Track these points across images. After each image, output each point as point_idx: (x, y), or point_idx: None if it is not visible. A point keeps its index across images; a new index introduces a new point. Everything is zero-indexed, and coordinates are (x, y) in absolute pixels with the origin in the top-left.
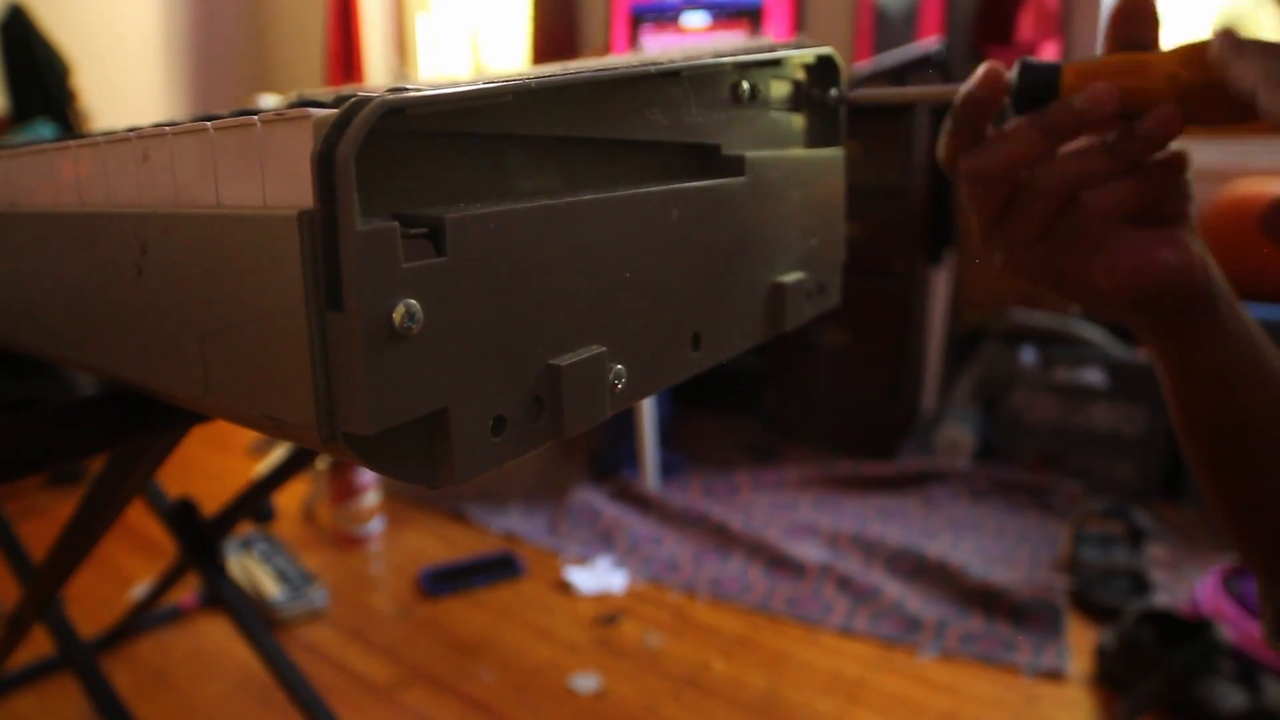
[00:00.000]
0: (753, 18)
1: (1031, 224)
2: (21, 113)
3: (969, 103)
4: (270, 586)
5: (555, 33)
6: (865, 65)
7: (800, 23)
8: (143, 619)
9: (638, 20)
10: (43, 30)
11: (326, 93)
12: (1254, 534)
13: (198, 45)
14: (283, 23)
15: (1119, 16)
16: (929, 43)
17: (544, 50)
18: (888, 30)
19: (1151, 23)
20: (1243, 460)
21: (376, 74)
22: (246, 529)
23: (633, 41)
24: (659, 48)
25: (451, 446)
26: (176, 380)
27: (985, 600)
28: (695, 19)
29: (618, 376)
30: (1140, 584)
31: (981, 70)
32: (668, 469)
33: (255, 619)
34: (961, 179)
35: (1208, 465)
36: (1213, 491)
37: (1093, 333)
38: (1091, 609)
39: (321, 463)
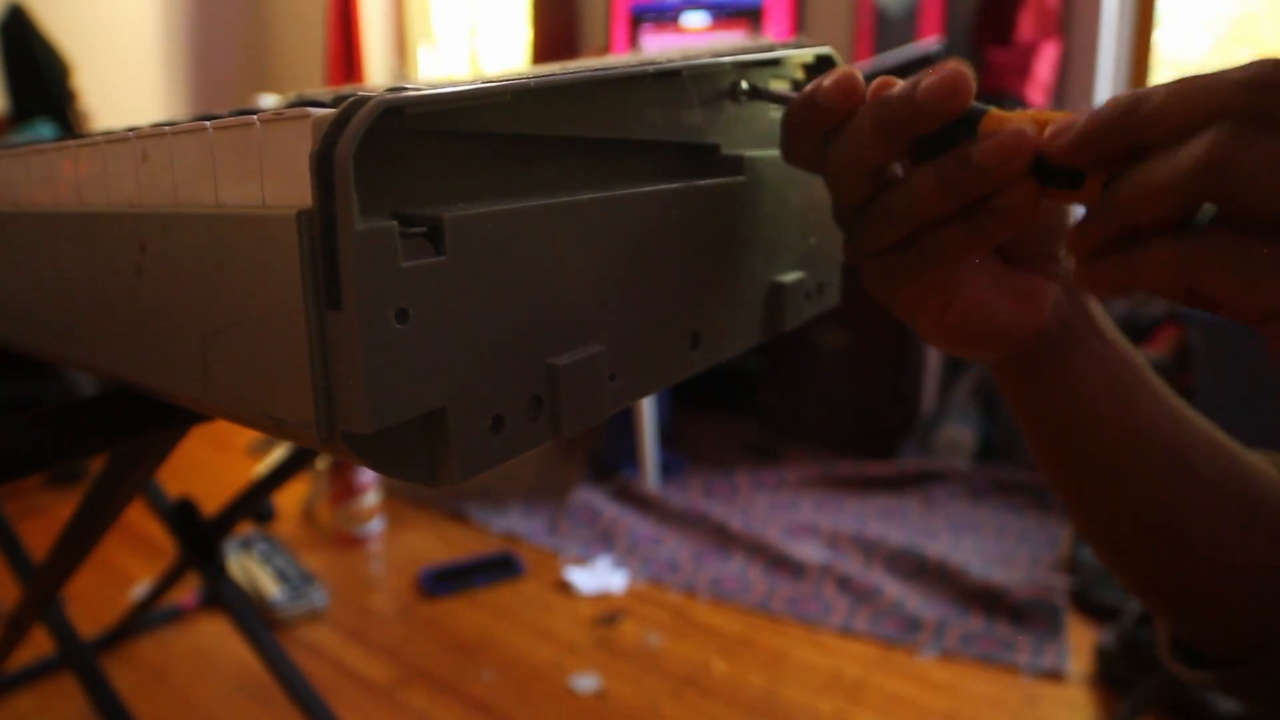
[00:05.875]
0: (753, 18)
1: (870, 241)
2: (21, 113)
3: (816, 109)
4: (270, 586)
5: (555, 33)
6: (865, 65)
7: (800, 23)
8: (143, 619)
9: (638, 20)
10: (43, 30)
11: (326, 93)
12: (1124, 566)
13: (198, 45)
14: (283, 23)
15: None
16: (929, 43)
17: (544, 50)
18: (888, 30)
19: None
20: (1098, 499)
21: (377, 74)
22: (246, 529)
23: (633, 42)
24: (659, 48)
25: (451, 445)
26: (176, 379)
27: (985, 600)
28: (695, 19)
29: (616, 376)
30: None
31: (834, 76)
32: (668, 469)
33: (255, 619)
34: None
35: (1063, 495)
36: (1073, 520)
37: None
38: (1091, 609)
39: (321, 463)
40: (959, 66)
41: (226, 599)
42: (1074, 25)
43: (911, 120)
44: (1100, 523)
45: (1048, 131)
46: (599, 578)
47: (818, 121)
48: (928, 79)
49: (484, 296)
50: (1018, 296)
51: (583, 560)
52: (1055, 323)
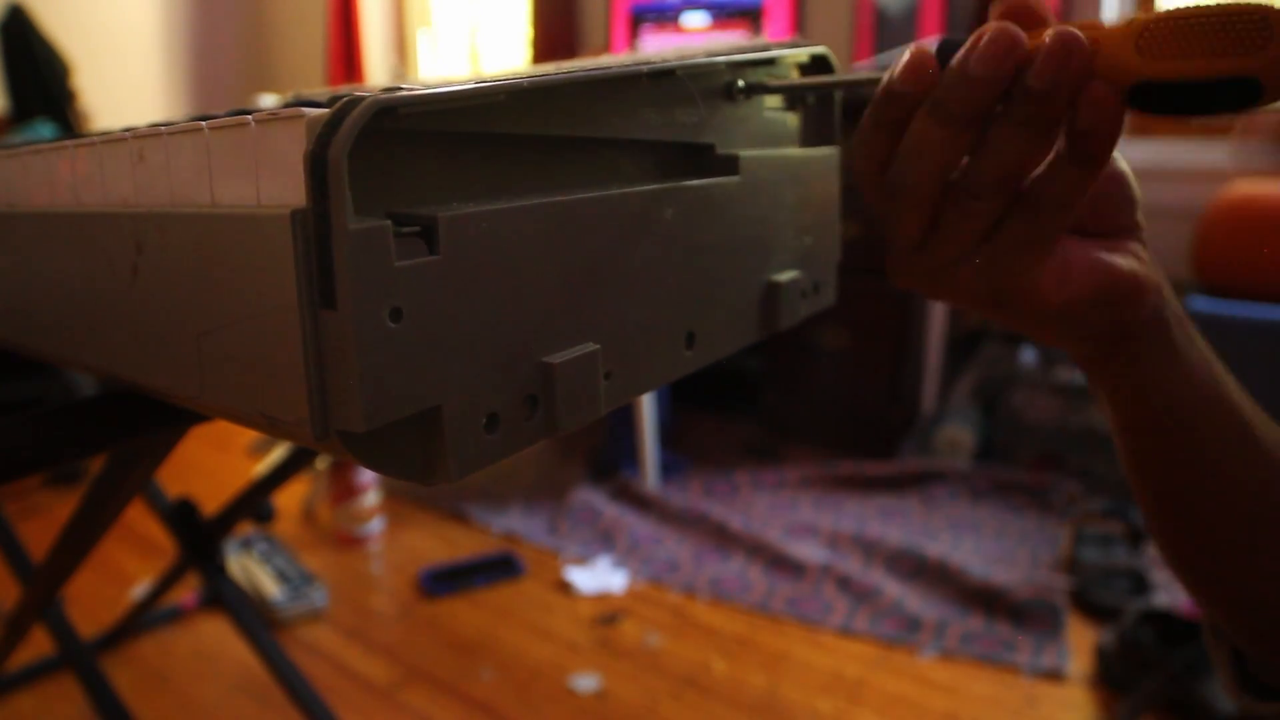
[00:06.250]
0: (753, 18)
1: (967, 234)
2: (21, 113)
3: (892, 99)
4: (270, 586)
5: (555, 33)
6: (865, 65)
7: (800, 23)
8: (143, 619)
9: (638, 20)
10: (43, 30)
11: (324, 93)
12: (1207, 579)
13: (197, 45)
14: (283, 22)
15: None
16: (929, 43)
17: (544, 50)
18: (888, 30)
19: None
20: (1196, 502)
21: (377, 74)
22: (246, 529)
23: (632, 42)
24: (658, 48)
25: (445, 444)
26: (173, 379)
27: (985, 600)
28: (695, 19)
29: (611, 374)
30: (1140, 584)
31: (906, 57)
32: (668, 469)
33: (255, 619)
34: (888, 196)
35: (1156, 505)
36: (1161, 532)
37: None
38: (1091, 609)
39: (321, 462)
40: (1002, 27)
41: (226, 599)
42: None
43: (975, 99)
44: (1193, 531)
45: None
46: (599, 578)
47: (894, 112)
48: (972, 50)
49: (478, 295)
50: (1121, 255)
51: (583, 560)
52: (1157, 293)
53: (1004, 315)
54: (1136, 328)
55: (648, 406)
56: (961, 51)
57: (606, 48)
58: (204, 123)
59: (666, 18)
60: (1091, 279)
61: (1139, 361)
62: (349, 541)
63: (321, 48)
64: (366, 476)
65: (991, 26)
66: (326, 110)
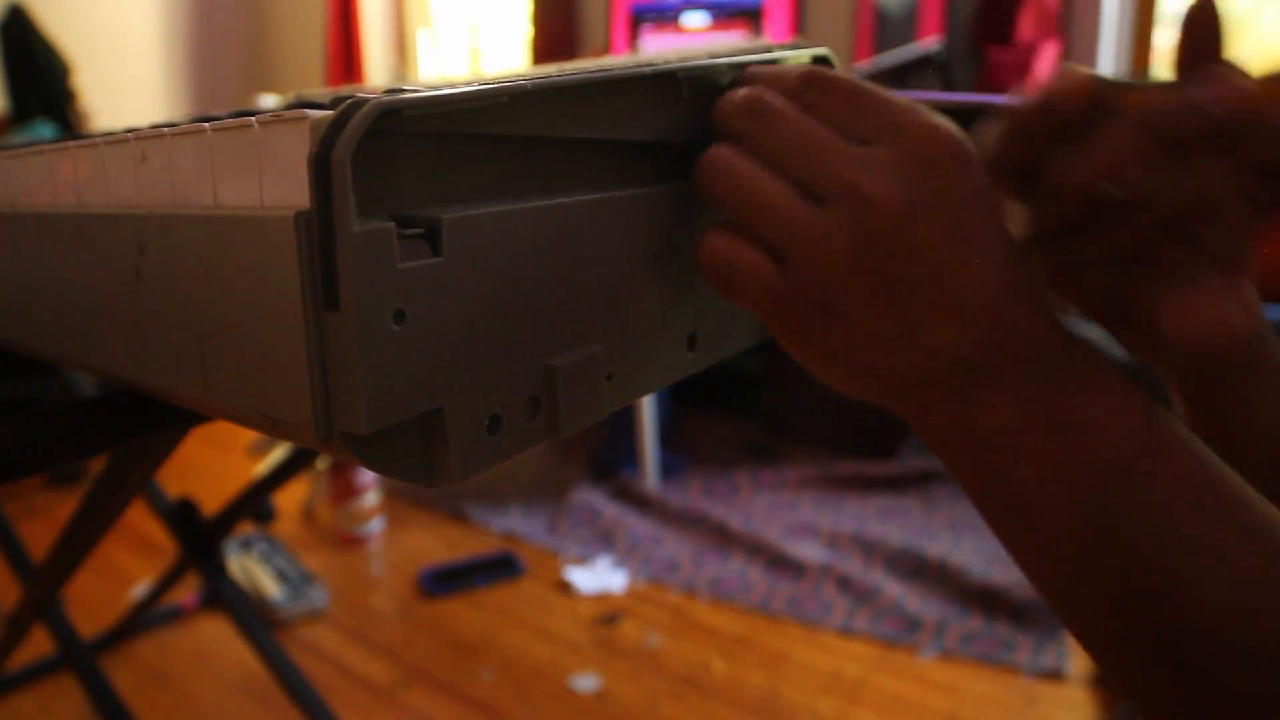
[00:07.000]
0: (753, 18)
1: (1114, 249)
2: (21, 113)
3: (1053, 112)
4: (270, 586)
5: (555, 33)
6: (865, 65)
7: (800, 23)
8: (143, 619)
9: (638, 20)
10: (43, 30)
11: (325, 93)
12: None
13: (198, 45)
14: (283, 23)
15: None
16: (929, 43)
17: (544, 51)
18: (888, 30)
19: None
20: None
21: (377, 74)
22: (246, 529)
23: (633, 42)
24: (658, 48)
25: (448, 446)
26: (175, 380)
27: (985, 600)
28: (695, 19)
29: (613, 376)
30: None
31: (1066, 73)
32: (668, 469)
33: (255, 619)
34: (1041, 186)
35: None
36: None
37: (1094, 332)
38: None
39: (321, 463)
40: (1243, 88)
41: (226, 599)
42: (1074, 25)
43: (1198, 128)
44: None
45: None
46: (599, 578)
47: (1050, 124)
48: (1209, 89)
49: (481, 297)
50: (1242, 301)
51: (583, 560)
52: (1253, 324)
53: (1113, 331)
54: (1231, 367)
55: (648, 406)
56: (1194, 87)
57: (607, 48)
58: (207, 124)
59: (666, 18)
60: (1205, 327)
61: (1229, 388)
62: (349, 541)
63: (321, 48)
64: (367, 477)
65: (1229, 79)
66: (330, 112)
